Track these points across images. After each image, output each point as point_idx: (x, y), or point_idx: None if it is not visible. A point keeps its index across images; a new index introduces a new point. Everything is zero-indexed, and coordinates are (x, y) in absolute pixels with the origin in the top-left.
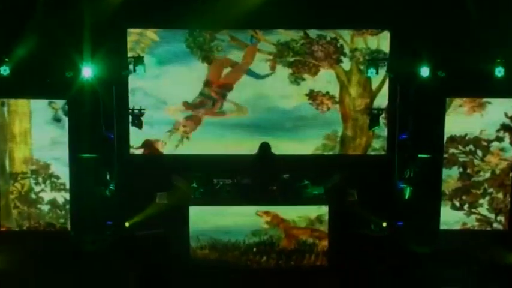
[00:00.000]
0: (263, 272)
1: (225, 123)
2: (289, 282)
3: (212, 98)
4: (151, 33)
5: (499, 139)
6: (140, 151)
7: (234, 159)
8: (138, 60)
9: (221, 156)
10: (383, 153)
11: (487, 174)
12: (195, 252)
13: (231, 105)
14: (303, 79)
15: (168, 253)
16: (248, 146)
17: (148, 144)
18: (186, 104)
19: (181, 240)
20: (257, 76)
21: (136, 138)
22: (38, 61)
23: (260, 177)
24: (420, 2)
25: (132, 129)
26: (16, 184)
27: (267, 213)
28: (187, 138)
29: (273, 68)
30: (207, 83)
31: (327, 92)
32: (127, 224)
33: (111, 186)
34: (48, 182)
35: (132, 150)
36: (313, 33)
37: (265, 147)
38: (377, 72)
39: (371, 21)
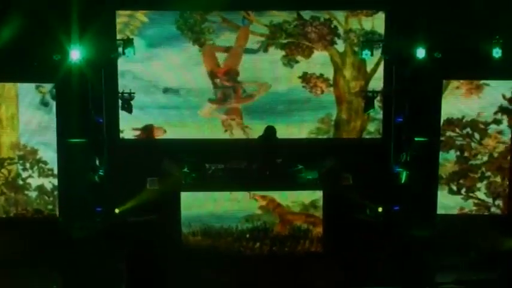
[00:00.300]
0: (256, 258)
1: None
2: (284, 269)
3: (228, 86)
4: (140, 15)
5: (497, 122)
6: (137, 133)
7: (225, 143)
8: (128, 42)
9: (212, 141)
10: (378, 136)
11: (485, 158)
12: (187, 239)
13: (253, 85)
14: (297, 61)
15: (160, 239)
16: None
17: (148, 129)
18: (212, 101)
19: (172, 226)
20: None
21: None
22: (24, 44)
23: (261, 160)
24: None
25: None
26: (3, 170)
27: (263, 197)
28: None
29: (266, 51)
30: (212, 74)
31: (321, 75)
32: (117, 211)
33: (101, 172)
34: (35, 167)
35: (128, 132)
36: (306, 14)
37: (270, 131)
38: (372, 54)
39: (366, 1)
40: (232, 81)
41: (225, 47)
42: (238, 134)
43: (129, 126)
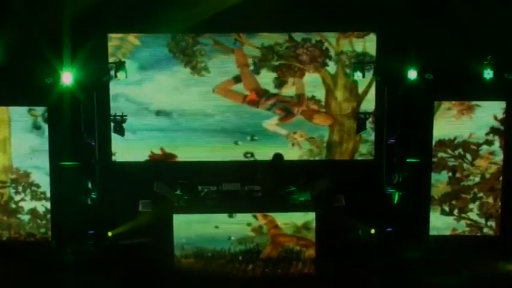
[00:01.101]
0: (249, 280)
1: None
2: None
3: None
4: (132, 38)
5: (489, 142)
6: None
7: (217, 166)
8: (120, 65)
9: (206, 163)
10: (370, 158)
11: (477, 179)
12: (179, 261)
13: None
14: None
15: (153, 262)
16: (232, 152)
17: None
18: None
19: (165, 249)
20: None
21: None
22: (16, 67)
23: (271, 185)
24: (406, 4)
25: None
26: None
27: (265, 216)
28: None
29: (257, 73)
30: (253, 103)
31: (313, 96)
32: (110, 234)
33: (93, 195)
34: (28, 191)
35: (119, 155)
36: (297, 36)
37: (278, 157)
38: (363, 76)
39: (357, 23)
40: (271, 97)
41: (234, 78)
42: (306, 146)
43: (121, 149)
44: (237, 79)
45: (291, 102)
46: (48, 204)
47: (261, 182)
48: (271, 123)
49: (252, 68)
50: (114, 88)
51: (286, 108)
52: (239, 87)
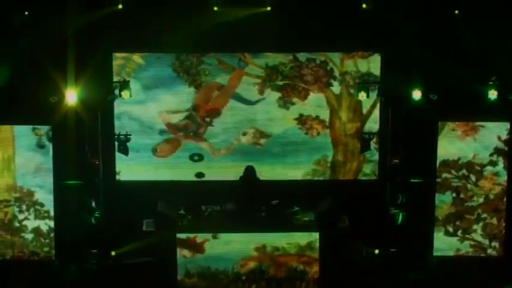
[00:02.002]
0: None
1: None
2: None
3: (197, 122)
4: (137, 57)
5: (493, 163)
6: None
7: (222, 185)
8: (124, 84)
9: (209, 183)
10: (374, 178)
11: (481, 199)
12: (182, 281)
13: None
14: (293, 103)
15: (155, 282)
16: (235, 172)
17: None
18: (170, 125)
19: (168, 269)
20: (247, 102)
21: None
22: (21, 86)
23: (244, 201)
24: (411, 25)
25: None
26: None
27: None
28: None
29: (261, 93)
30: (195, 108)
31: (317, 116)
32: (113, 253)
33: (97, 214)
34: (32, 209)
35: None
36: (302, 56)
37: (249, 171)
38: (368, 96)
39: (361, 43)
40: (205, 121)
41: (220, 85)
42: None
43: (125, 168)
44: (221, 87)
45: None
46: (51, 223)
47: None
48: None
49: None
50: (118, 107)
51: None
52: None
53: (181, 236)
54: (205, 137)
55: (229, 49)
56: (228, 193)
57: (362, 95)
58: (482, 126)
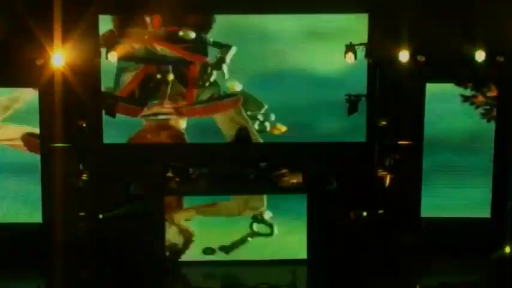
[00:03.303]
0: None
1: None
2: None
3: None
4: None
5: None
6: None
7: (209, 147)
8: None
9: (196, 145)
10: (362, 140)
11: None
12: None
13: None
14: None
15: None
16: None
17: None
18: None
19: (155, 232)
20: None
21: None
22: (6, 49)
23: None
24: None
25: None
26: None
27: None
28: None
29: None
30: None
31: None
32: (100, 216)
33: (84, 177)
34: None
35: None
36: None
37: (243, 132)
38: (356, 58)
39: (350, 3)
40: None
41: None
42: None
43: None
44: None
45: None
46: None
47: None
48: None
49: None
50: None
51: None
52: None
53: None
54: None
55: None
56: (215, 155)
57: (350, 57)
58: None
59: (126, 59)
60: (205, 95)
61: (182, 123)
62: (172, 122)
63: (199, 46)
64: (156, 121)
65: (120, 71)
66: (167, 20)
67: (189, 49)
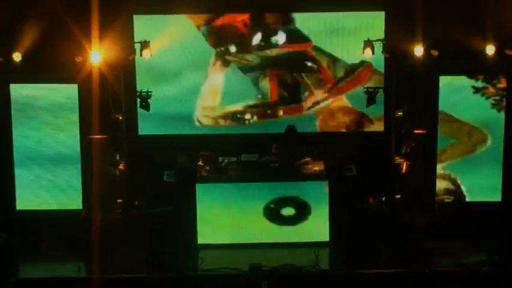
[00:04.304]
0: None
1: None
2: None
3: None
4: None
5: None
6: None
7: (237, 137)
8: (145, 45)
9: (225, 136)
10: (381, 129)
11: None
12: None
13: None
14: None
15: (177, 230)
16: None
17: None
18: None
19: (188, 218)
20: None
21: None
22: (49, 47)
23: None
24: None
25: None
26: None
27: None
28: None
29: None
30: None
31: None
32: (136, 203)
33: (121, 166)
34: None
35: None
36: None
37: (291, 129)
38: (373, 53)
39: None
40: None
41: None
42: None
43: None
44: None
45: None
46: None
47: (276, 154)
48: None
49: None
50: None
51: None
52: None
53: None
54: None
55: (244, 8)
56: (243, 145)
57: (368, 52)
58: None
59: (250, 70)
60: (339, 72)
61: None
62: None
63: (297, 36)
64: (322, 108)
65: (253, 82)
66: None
67: (293, 42)
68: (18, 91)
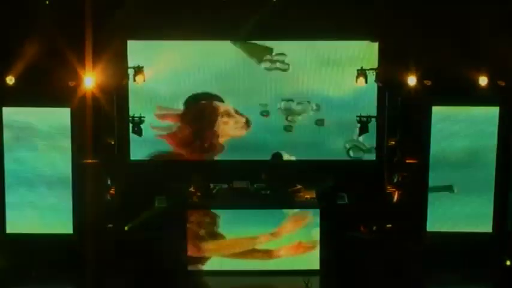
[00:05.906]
0: None
1: None
2: None
3: None
4: None
5: None
6: None
7: (228, 164)
8: (138, 70)
9: (217, 162)
10: (373, 159)
11: None
12: None
13: None
14: None
15: (165, 256)
16: None
17: None
18: None
19: (177, 243)
20: None
21: None
22: (42, 71)
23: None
24: (407, 13)
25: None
26: None
27: None
28: None
29: None
30: None
31: None
32: (126, 228)
33: (112, 191)
34: None
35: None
36: None
37: (277, 157)
38: (366, 82)
39: (360, 32)
40: None
41: None
42: None
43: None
44: None
45: None
46: None
47: (266, 181)
48: None
49: None
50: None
51: None
52: None
53: None
54: None
55: (236, 36)
56: (234, 172)
57: (361, 81)
58: None
59: None
60: None
61: None
62: None
63: None
64: None
65: None
66: None
67: None
68: (11, 114)
